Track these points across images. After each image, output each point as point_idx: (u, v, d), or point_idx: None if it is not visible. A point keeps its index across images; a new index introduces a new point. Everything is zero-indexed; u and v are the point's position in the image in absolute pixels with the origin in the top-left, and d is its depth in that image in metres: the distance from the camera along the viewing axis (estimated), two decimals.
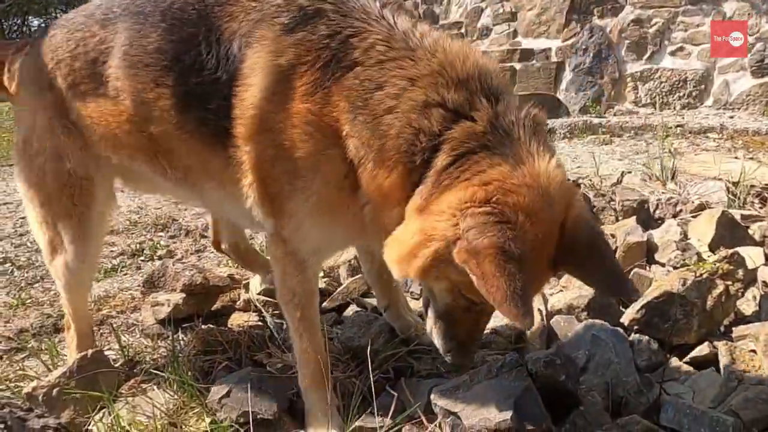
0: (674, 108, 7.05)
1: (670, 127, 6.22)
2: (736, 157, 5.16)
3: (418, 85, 1.59)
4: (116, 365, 2.38)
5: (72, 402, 2.04)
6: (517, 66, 7.92)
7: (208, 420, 1.94)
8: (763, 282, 2.49)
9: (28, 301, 3.22)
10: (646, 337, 2.23)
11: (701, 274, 2.19)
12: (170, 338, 2.53)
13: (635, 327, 2.26)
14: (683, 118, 6.73)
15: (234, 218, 2.22)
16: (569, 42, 7.65)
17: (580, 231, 1.56)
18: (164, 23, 1.89)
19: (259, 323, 2.54)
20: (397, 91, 1.60)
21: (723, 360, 2.06)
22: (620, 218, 3.38)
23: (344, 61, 1.65)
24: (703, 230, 2.97)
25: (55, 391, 2.05)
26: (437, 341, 1.78)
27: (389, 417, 1.88)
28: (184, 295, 2.72)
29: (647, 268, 2.79)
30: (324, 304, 2.74)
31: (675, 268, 2.70)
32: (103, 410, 2.06)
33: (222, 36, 1.79)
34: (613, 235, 3.07)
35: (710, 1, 6.83)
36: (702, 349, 2.16)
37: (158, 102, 1.90)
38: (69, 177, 2.16)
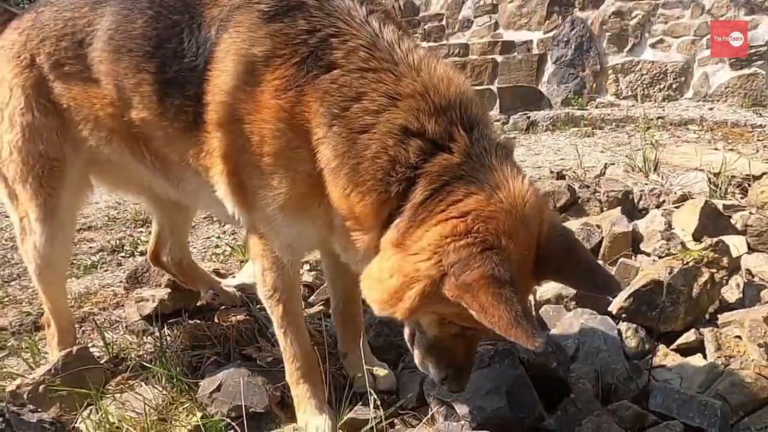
0: (655, 100, 7.16)
1: (651, 119, 6.33)
2: (716, 149, 5.27)
3: (399, 107, 1.56)
4: (101, 362, 2.37)
5: (58, 399, 2.03)
6: (499, 58, 7.98)
7: (199, 414, 1.94)
8: (747, 270, 2.56)
9: (6, 299, 3.18)
10: (634, 325, 2.28)
11: (688, 262, 2.24)
12: (156, 334, 2.52)
13: (623, 315, 2.31)
14: (664, 110, 6.85)
15: (210, 210, 2.23)
16: (551, 34, 7.73)
17: (554, 239, 1.59)
18: (151, 10, 1.89)
19: (247, 317, 2.54)
20: (375, 108, 1.57)
21: (709, 346, 2.12)
22: (605, 209, 3.44)
23: (322, 60, 1.62)
24: (686, 220, 3.04)
25: (40, 388, 2.03)
26: (431, 372, 1.73)
27: (381, 408, 1.90)
28: (169, 290, 2.71)
29: (633, 257, 2.85)
30: (311, 297, 2.76)
31: (660, 257, 2.76)
32: (91, 407, 2.05)
33: (203, 21, 1.80)
34: (598, 226, 3.12)
35: None
36: (689, 336, 2.22)
37: (140, 88, 1.90)
38: (39, 157, 2.14)
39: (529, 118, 7.40)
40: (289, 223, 1.77)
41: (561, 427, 1.86)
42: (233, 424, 1.89)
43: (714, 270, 2.30)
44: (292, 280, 1.94)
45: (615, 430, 1.72)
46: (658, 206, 3.50)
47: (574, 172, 4.35)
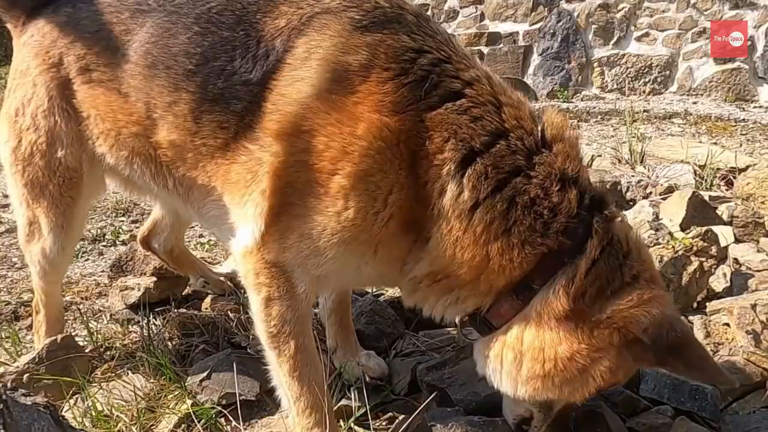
0: (640, 93, 7.26)
1: (637, 113, 6.41)
2: (700, 142, 5.36)
3: (553, 150, 1.47)
4: (85, 351, 2.34)
5: (43, 388, 2.00)
6: (485, 50, 8.02)
7: (189, 402, 1.93)
8: (734, 259, 2.62)
9: None
10: None
11: (678, 251, 2.29)
12: (141, 323, 2.50)
13: None
14: (649, 103, 6.95)
15: (227, 237, 1.92)
16: (537, 26, 7.79)
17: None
18: (197, 26, 1.78)
19: (236, 306, 2.53)
20: (527, 148, 1.46)
21: (698, 334, 2.16)
22: None
23: (441, 87, 1.50)
24: (674, 210, 3.09)
25: (25, 377, 2.01)
26: None
27: (372, 396, 1.91)
28: (155, 278, 2.69)
29: None
30: None
31: (649, 247, 2.81)
32: (77, 396, 2.03)
33: (262, 35, 1.68)
34: None
35: None
36: None
37: (174, 107, 1.78)
38: (60, 165, 2.05)
39: None
40: (345, 259, 1.58)
41: None
42: (224, 411, 1.88)
43: (703, 259, 2.35)
44: (305, 308, 1.70)
45: (608, 414, 1.75)
46: (645, 197, 3.56)
47: None
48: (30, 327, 2.60)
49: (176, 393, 2.03)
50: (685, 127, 6.20)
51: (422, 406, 1.75)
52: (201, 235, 3.79)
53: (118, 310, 2.67)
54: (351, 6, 1.62)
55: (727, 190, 3.85)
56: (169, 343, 2.32)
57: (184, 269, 2.74)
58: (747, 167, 3.95)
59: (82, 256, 3.53)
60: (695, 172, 4.04)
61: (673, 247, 2.30)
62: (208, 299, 2.66)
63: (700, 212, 3.07)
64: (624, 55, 7.36)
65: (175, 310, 2.52)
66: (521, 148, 1.47)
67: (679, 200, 3.14)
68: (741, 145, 5.49)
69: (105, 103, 1.93)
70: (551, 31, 7.68)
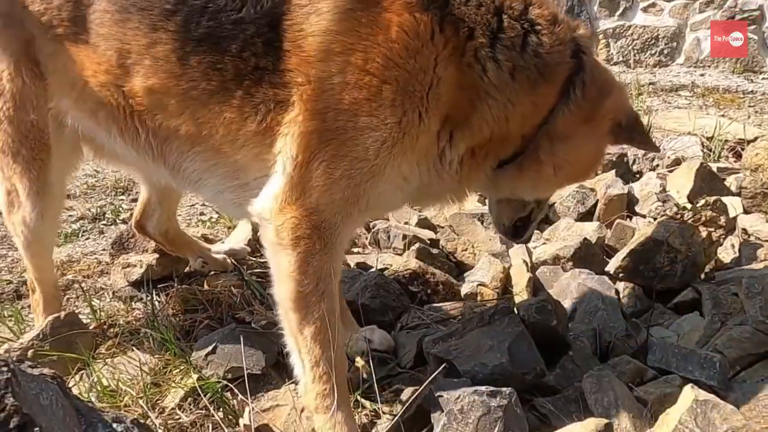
0: (647, 66, 7.19)
1: (643, 85, 6.35)
2: (708, 114, 5.32)
3: (536, 4, 1.73)
4: (89, 328, 2.36)
5: (48, 364, 2.00)
6: None
7: (195, 376, 1.95)
8: (743, 230, 2.62)
9: None
10: (632, 285, 2.33)
11: (686, 221, 2.29)
12: (144, 300, 2.52)
13: (621, 275, 2.36)
14: (655, 75, 6.88)
15: (212, 197, 1.99)
16: None
17: None
18: None
19: (239, 282, 2.54)
20: (519, 8, 1.71)
21: (707, 303, 2.18)
22: (599, 172, 3.48)
23: None
24: (681, 182, 3.09)
25: (29, 353, 2.02)
26: (526, 237, 2.19)
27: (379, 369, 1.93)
28: (157, 255, 2.70)
29: (629, 219, 2.89)
30: None
31: (655, 218, 2.81)
32: (82, 371, 2.05)
33: None
34: (592, 189, 3.16)
35: None
36: (686, 294, 2.28)
37: (152, 48, 1.77)
38: (31, 128, 2.04)
39: None
40: (398, 171, 1.67)
41: (560, 383, 1.91)
42: (230, 385, 1.90)
43: (712, 229, 2.35)
44: (340, 261, 1.76)
45: (616, 383, 1.77)
46: (652, 169, 3.56)
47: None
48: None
49: (181, 368, 2.04)
50: (692, 99, 6.15)
51: (430, 378, 1.76)
52: (202, 213, 3.79)
53: (120, 287, 2.68)
54: None
55: (735, 161, 3.84)
56: (173, 319, 2.34)
57: (181, 251, 2.73)
58: (755, 138, 3.92)
59: (82, 235, 3.54)
60: (703, 144, 4.02)
61: (682, 215, 2.29)
62: (210, 276, 2.67)
63: (708, 183, 3.07)
64: (630, 26, 7.27)
65: (178, 287, 2.53)
66: (518, 9, 1.71)
67: (686, 172, 3.14)
68: (749, 117, 5.44)
69: (70, 56, 1.92)
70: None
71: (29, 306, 2.72)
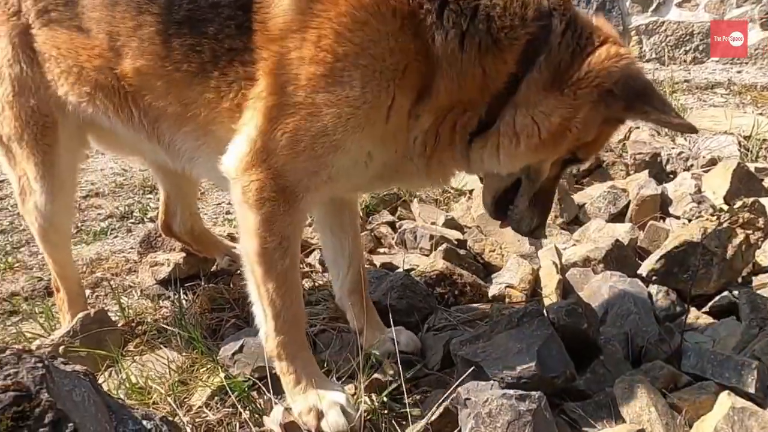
0: (681, 63, 7.07)
1: (677, 83, 6.24)
2: (745, 112, 5.21)
3: None
4: (117, 325, 2.41)
5: (78, 361, 2.05)
6: None
7: (222, 375, 1.98)
8: None
9: (16, 265, 3.22)
10: (665, 288, 2.30)
11: (722, 222, 2.25)
12: (172, 298, 2.56)
13: (654, 278, 2.33)
14: (690, 73, 6.76)
15: (206, 174, 2.08)
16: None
17: None
18: None
19: None
20: None
21: (744, 308, 2.14)
22: (631, 172, 3.44)
23: None
24: (718, 183, 3.04)
25: (60, 350, 2.07)
26: (526, 223, 1.92)
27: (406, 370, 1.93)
28: (184, 254, 2.74)
29: (662, 220, 2.85)
30: None
31: (690, 220, 2.77)
32: (111, 369, 2.09)
33: None
34: (624, 190, 3.13)
35: None
36: (722, 299, 2.24)
37: (138, 31, 1.85)
38: (33, 113, 2.11)
39: None
40: (359, 146, 1.70)
41: (591, 387, 1.89)
42: (258, 383, 1.92)
43: (749, 231, 2.30)
44: (303, 223, 1.88)
45: (649, 389, 1.74)
46: (686, 170, 3.50)
47: None
48: None
49: (208, 366, 2.07)
50: (729, 97, 6.02)
51: (458, 382, 1.75)
52: (228, 212, 3.84)
53: (148, 285, 2.73)
54: None
55: None
56: (200, 318, 2.37)
57: (208, 250, 2.77)
58: None
59: (111, 233, 3.61)
60: (740, 143, 3.94)
61: (718, 217, 2.25)
62: (237, 274, 2.70)
63: (746, 184, 3.02)
64: (664, 22, 7.15)
65: (205, 285, 2.57)
66: None
67: (723, 172, 3.09)
68: None
69: (65, 41, 2.00)
70: None
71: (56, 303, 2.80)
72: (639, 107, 1.69)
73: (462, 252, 2.73)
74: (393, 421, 1.83)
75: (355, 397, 1.86)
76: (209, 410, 1.91)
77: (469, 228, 2.99)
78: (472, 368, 1.86)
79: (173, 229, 2.76)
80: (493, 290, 2.49)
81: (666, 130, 4.47)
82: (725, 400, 1.60)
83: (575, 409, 1.79)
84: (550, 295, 2.39)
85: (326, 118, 1.65)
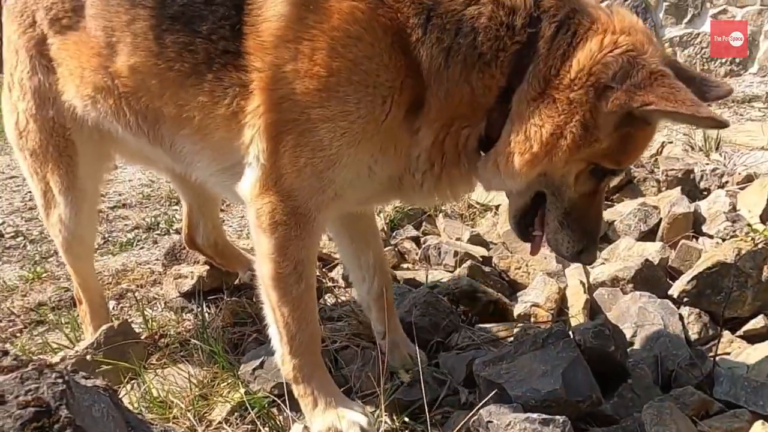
0: (716, 75, 6.95)
1: None
2: None
3: None
4: (141, 338, 2.44)
5: (101, 373, 2.10)
6: None
7: (242, 391, 1.99)
8: None
9: (44, 275, 3.30)
10: (697, 310, 2.25)
11: (757, 243, 2.19)
12: (195, 311, 2.59)
13: (685, 299, 2.28)
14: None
15: (205, 179, 2.04)
16: (602, 5, 7.55)
17: (668, 59, 1.65)
18: None
19: None
20: None
21: None
22: (663, 189, 3.38)
23: None
24: (753, 200, 2.97)
25: (87, 357, 2.11)
26: (565, 247, 1.76)
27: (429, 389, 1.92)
28: (208, 267, 2.77)
29: (695, 239, 2.80)
30: None
31: (724, 239, 2.71)
32: (133, 381, 2.12)
33: None
34: (656, 207, 3.07)
35: None
36: (757, 322, 2.19)
37: (132, 25, 1.83)
38: (54, 124, 2.13)
39: None
40: (358, 161, 1.68)
41: (618, 412, 1.85)
42: (277, 401, 1.92)
43: None
44: (317, 246, 1.86)
45: (679, 416, 1.70)
46: (720, 186, 3.42)
47: None
48: None
49: (229, 381, 2.09)
50: (767, 111, 5.91)
51: (481, 404, 1.73)
52: None
53: (172, 298, 2.77)
54: None
55: None
56: (222, 332, 2.39)
57: (231, 264, 2.79)
58: None
59: (137, 245, 3.68)
60: None
61: (753, 239, 2.20)
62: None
63: None
64: (698, 34, 7.05)
65: (228, 299, 2.59)
66: None
67: (759, 189, 3.01)
68: None
69: (73, 44, 2.00)
70: None
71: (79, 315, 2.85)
72: (644, 99, 1.48)
73: (487, 269, 2.71)
74: None
75: (376, 416, 1.85)
76: (229, 426, 1.92)
77: (495, 244, 2.97)
78: (494, 390, 1.84)
79: (197, 243, 2.79)
80: (518, 309, 2.47)
81: (700, 144, 4.40)
82: (759, 430, 1.55)
83: None
84: (576, 315, 2.36)
85: (322, 132, 1.64)
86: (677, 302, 2.29)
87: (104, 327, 2.26)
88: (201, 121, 1.83)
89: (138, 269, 3.28)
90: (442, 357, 2.18)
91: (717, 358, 2.04)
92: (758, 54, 6.89)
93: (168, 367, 2.21)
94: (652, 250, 2.65)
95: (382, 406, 1.84)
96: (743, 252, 2.22)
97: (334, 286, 2.78)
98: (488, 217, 3.33)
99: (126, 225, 3.98)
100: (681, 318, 2.23)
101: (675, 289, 2.31)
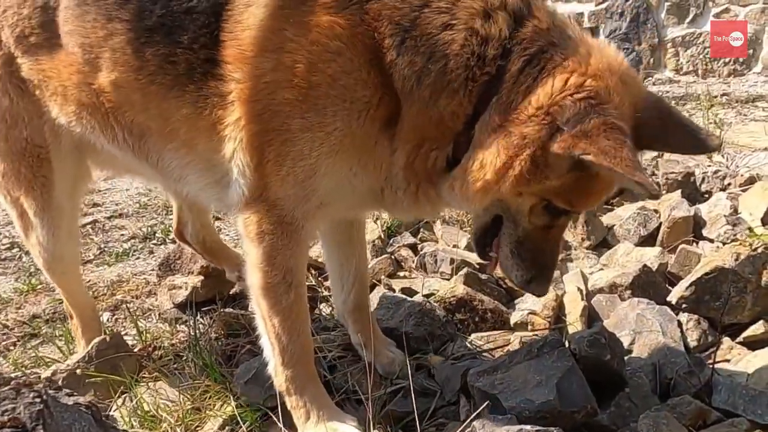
0: (719, 75, 6.93)
1: (715, 96, 6.12)
2: None
3: None
4: (134, 350, 2.44)
5: (92, 386, 2.10)
6: None
7: (234, 404, 1.98)
8: None
9: (39, 286, 3.30)
10: (696, 316, 2.23)
11: (757, 248, 2.18)
12: (189, 322, 2.59)
13: (683, 305, 2.27)
14: (729, 86, 6.62)
15: (196, 194, 2.03)
16: (603, 6, 7.54)
17: (650, 103, 1.65)
18: None
19: None
20: (447, 5, 1.59)
21: None
22: (663, 192, 3.37)
23: None
24: (755, 203, 2.95)
25: (75, 374, 2.11)
26: (515, 273, 1.77)
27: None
28: (202, 277, 2.78)
29: (695, 244, 2.78)
30: None
31: (725, 243, 2.69)
32: (125, 395, 2.12)
33: None
34: (656, 210, 3.06)
35: None
36: (757, 329, 2.17)
37: (110, 40, 1.82)
38: (26, 144, 2.11)
39: None
40: (337, 171, 1.69)
41: (615, 422, 1.84)
42: (270, 413, 1.92)
43: None
44: (305, 257, 1.86)
45: (675, 426, 1.69)
46: (722, 189, 3.41)
47: None
48: None
49: (221, 394, 2.08)
50: None
51: (474, 415, 1.73)
52: None
53: (166, 309, 2.77)
54: None
55: None
56: (215, 344, 2.39)
57: (219, 261, 2.79)
58: None
59: (133, 255, 3.68)
60: None
61: (751, 244, 2.18)
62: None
63: None
64: (701, 33, 7.04)
65: (222, 310, 2.59)
66: (442, 7, 1.59)
67: (761, 192, 3.00)
68: None
69: (47, 62, 1.98)
70: (619, 10, 7.42)
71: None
72: (585, 148, 1.45)
73: (484, 276, 2.70)
74: None
75: (367, 428, 1.84)
76: None
77: None
78: (487, 402, 1.83)
79: (185, 237, 2.82)
80: (515, 317, 2.45)
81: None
82: None
83: None
84: (574, 322, 2.35)
85: (301, 142, 1.66)
86: (676, 308, 2.28)
87: (96, 340, 2.26)
88: (187, 134, 1.83)
89: (133, 280, 3.29)
90: (437, 367, 2.17)
91: (716, 366, 2.03)
92: (762, 53, 6.87)
93: (160, 381, 2.20)
94: (651, 256, 2.64)
95: (369, 416, 1.82)
96: (742, 257, 2.20)
97: (330, 296, 2.78)
98: None
99: (122, 235, 3.99)
100: (680, 324, 2.22)
101: (673, 296, 2.30)
